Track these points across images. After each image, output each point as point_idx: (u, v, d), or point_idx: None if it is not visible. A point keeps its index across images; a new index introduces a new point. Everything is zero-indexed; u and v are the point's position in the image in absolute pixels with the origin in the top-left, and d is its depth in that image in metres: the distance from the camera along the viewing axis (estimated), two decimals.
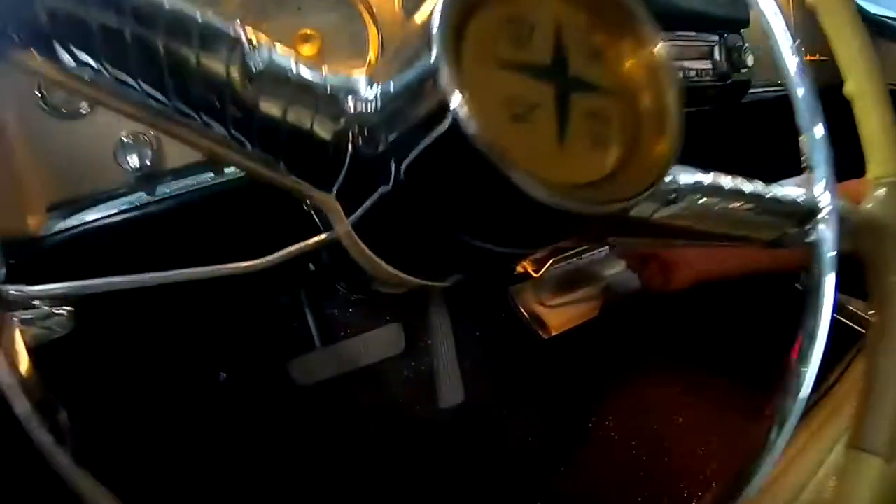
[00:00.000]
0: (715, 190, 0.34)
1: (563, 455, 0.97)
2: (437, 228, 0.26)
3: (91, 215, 0.51)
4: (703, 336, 1.11)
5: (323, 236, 0.31)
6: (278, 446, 0.96)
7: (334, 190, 0.29)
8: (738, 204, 0.35)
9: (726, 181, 0.35)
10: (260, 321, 1.07)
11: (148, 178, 0.50)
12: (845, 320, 0.91)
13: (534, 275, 0.87)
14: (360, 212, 0.28)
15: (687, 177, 0.33)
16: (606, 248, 0.85)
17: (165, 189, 0.53)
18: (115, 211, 0.52)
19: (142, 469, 0.76)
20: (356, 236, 0.30)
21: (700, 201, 0.34)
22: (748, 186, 0.36)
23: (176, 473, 0.85)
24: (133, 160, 0.48)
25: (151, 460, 0.83)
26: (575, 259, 0.90)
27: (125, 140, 0.48)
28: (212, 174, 0.54)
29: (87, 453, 0.26)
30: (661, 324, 1.13)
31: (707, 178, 0.34)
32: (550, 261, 0.86)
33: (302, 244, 0.31)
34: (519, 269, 0.90)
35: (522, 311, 0.94)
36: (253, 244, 0.34)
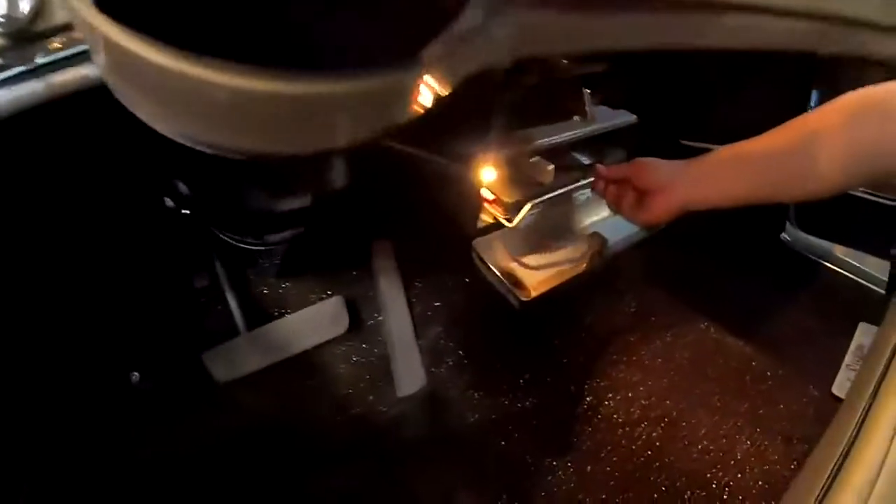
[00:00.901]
0: None
1: (559, 445, 0.82)
2: None
3: None
4: (694, 293, 1.01)
5: None
6: (199, 454, 0.79)
7: None
8: None
9: None
10: (174, 308, 0.90)
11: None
12: None
13: (506, 224, 0.71)
14: None
15: None
16: (589, 190, 0.71)
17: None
18: None
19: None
20: None
21: None
22: None
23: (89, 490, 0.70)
24: None
25: (60, 477, 0.69)
26: (553, 204, 0.74)
27: None
28: None
29: None
30: (653, 280, 1.02)
31: None
32: (527, 205, 0.70)
33: None
34: (488, 218, 0.74)
35: (494, 270, 0.77)
36: None
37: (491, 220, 0.76)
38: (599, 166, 0.61)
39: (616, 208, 0.59)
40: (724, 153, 0.54)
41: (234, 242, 0.74)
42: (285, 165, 0.46)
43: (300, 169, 0.52)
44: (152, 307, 0.87)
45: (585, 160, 0.77)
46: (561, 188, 0.75)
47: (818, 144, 0.50)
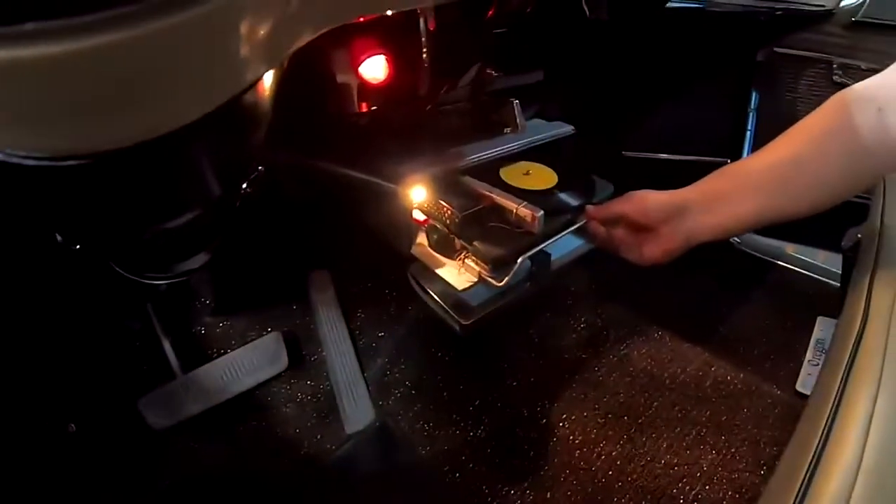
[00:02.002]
0: None
1: (515, 472, 0.78)
2: None
3: None
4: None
5: None
6: None
7: None
8: None
9: None
10: (109, 354, 0.86)
11: None
12: None
13: (495, 284, 0.65)
14: None
15: None
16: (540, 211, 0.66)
17: None
18: None
19: None
20: None
21: None
22: None
23: None
24: None
25: None
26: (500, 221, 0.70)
27: None
28: None
29: None
30: (602, 293, 0.99)
31: None
32: (518, 260, 0.64)
33: None
34: (472, 275, 0.69)
35: (433, 295, 0.73)
36: None
37: (475, 279, 0.71)
38: (589, 207, 0.56)
39: (612, 250, 0.55)
40: (727, 174, 0.50)
41: (134, 278, 0.70)
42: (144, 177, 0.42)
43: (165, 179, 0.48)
44: (83, 354, 0.83)
45: (574, 201, 0.73)
46: (552, 236, 0.68)
47: (823, 149, 0.47)
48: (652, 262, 0.52)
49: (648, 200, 0.52)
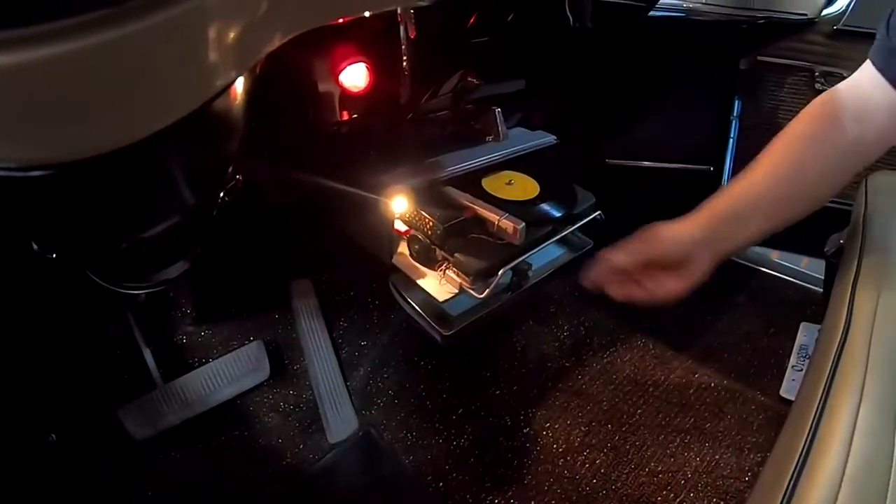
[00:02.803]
0: None
1: (499, 481, 0.78)
2: None
3: None
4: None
5: None
6: None
7: None
8: None
9: None
10: (89, 363, 0.85)
11: None
12: None
13: (475, 295, 0.65)
14: None
15: None
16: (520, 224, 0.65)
17: None
18: None
19: None
20: None
21: None
22: None
23: None
24: None
25: None
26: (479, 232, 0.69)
27: None
28: None
29: None
30: (585, 301, 0.99)
31: None
32: (498, 272, 0.64)
33: None
34: (454, 287, 0.69)
35: (413, 305, 0.73)
36: None
37: (456, 290, 0.71)
38: (608, 256, 0.50)
39: (635, 297, 0.52)
40: (733, 197, 0.51)
41: (111, 288, 0.69)
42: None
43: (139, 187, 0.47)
44: (63, 364, 0.82)
45: (556, 211, 0.72)
46: (533, 247, 0.69)
47: (809, 154, 0.50)
48: (676, 297, 0.51)
49: (666, 238, 0.50)
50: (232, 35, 0.30)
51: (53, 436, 0.78)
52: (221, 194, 0.64)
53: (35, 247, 0.70)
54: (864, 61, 0.51)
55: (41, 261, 0.71)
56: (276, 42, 0.35)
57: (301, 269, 0.94)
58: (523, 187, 0.74)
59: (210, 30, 0.28)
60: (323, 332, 0.88)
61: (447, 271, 0.70)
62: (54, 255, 0.67)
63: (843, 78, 0.91)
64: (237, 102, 0.44)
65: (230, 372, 0.82)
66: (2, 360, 0.74)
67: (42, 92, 0.24)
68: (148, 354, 0.84)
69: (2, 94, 0.23)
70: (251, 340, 0.87)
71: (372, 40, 0.65)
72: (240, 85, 0.39)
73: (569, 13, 0.73)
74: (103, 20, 0.23)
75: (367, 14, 0.43)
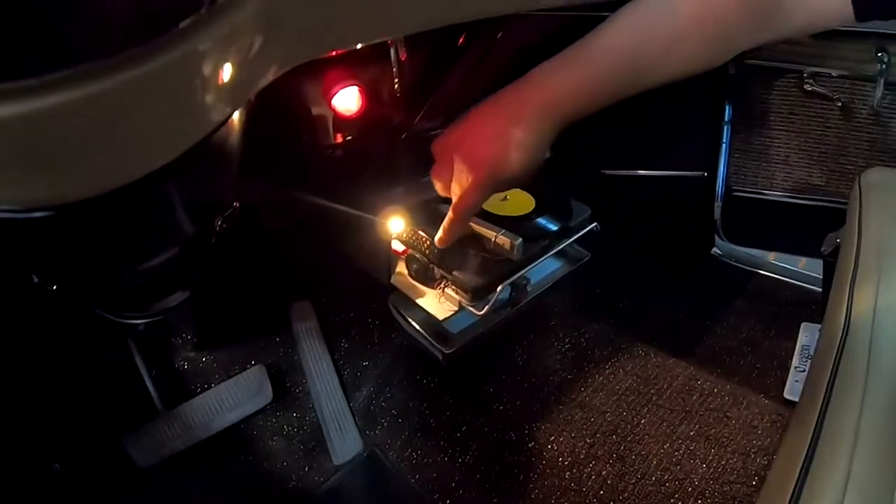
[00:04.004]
0: None
1: (505, 497, 0.77)
2: None
3: None
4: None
5: None
6: None
7: None
8: None
9: None
10: (91, 391, 0.84)
11: None
12: None
13: (475, 312, 0.65)
14: None
15: None
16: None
17: None
18: None
19: None
20: None
21: None
22: None
23: None
24: None
25: None
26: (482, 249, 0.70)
27: None
28: None
29: None
30: (585, 313, 0.99)
31: None
32: (498, 289, 0.64)
33: None
34: (453, 305, 0.70)
35: (413, 324, 0.73)
36: None
37: (456, 308, 0.71)
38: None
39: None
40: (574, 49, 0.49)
41: (112, 318, 0.69)
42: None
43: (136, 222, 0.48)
44: (66, 393, 0.81)
45: (552, 225, 0.72)
46: (531, 262, 0.69)
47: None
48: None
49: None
50: (227, 74, 0.30)
51: (57, 465, 0.78)
52: (219, 221, 0.64)
53: (35, 279, 0.70)
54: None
55: (41, 292, 0.72)
56: (271, 76, 0.36)
57: (300, 291, 0.94)
58: (519, 202, 0.74)
59: (205, 71, 0.29)
60: (324, 353, 0.88)
61: (446, 289, 0.70)
62: (54, 287, 0.67)
63: (832, 77, 0.93)
64: (233, 134, 0.44)
65: (232, 397, 0.82)
66: (4, 390, 0.74)
67: (45, 140, 0.24)
68: (150, 382, 0.84)
69: (7, 142, 0.24)
70: (253, 364, 0.87)
71: (363, 64, 0.66)
72: (235, 115, 0.40)
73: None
74: (101, 69, 0.24)
75: (359, 46, 0.43)
